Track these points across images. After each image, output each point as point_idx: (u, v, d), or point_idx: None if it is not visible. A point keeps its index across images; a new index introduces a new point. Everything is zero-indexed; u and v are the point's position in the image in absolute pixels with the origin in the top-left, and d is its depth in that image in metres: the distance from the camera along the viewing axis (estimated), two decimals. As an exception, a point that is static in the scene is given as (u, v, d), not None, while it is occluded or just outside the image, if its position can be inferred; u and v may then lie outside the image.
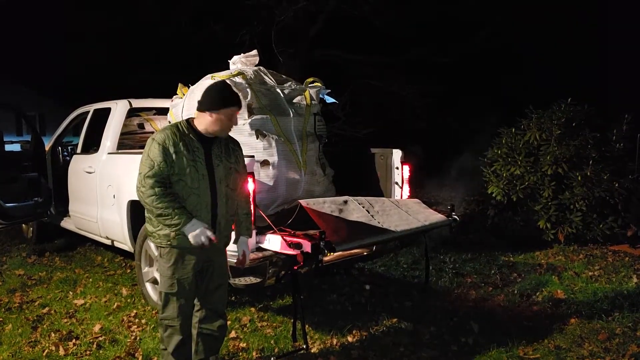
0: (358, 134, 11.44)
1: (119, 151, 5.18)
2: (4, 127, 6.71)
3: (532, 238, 6.37)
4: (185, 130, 2.79)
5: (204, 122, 2.80)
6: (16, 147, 6.62)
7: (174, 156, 2.70)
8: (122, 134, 5.30)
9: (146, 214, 2.86)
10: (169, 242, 2.77)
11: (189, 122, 2.85)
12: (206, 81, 4.19)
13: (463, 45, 11.96)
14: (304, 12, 10.59)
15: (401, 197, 4.52)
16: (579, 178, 6.07)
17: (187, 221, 2.68)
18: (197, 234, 2.68)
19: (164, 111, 5.55)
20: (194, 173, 2.74)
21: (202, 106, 2.80)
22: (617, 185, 6.04)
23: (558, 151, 6.18)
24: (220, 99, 2.80)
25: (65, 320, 4.18)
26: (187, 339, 2.96)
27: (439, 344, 3.68)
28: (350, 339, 3.76)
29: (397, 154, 4.57)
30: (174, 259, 2.81)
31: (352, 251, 4.04)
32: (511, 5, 11.44)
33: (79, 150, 5.88)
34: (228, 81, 3.91)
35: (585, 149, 6.22)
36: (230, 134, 3.25)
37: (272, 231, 3.52)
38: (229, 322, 3.99)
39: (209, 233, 2.71)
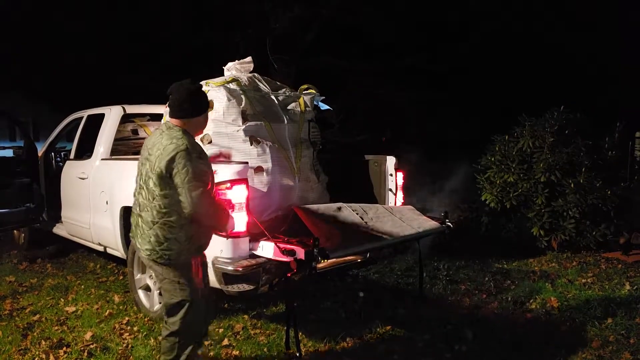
0: (352, 141, 11.47)
1: (113, 157, 5.16)
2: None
3: (526, 245, 6.38)
4: (192, 138, 2.82)
5: (196, 126, 2.85)
6: (9, 153, 6.58)
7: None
8: (115, 139, 5.27)
9: (170, 235, 2.72)
10: (198, 251, 2.86)
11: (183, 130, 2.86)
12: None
13: (458, 48, 12.06)
14: (299, 20, 10.65)
15: (395, 204, 4.53)
16: (572, 185, 6.10)
17: None
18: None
19: (158, 117, 5.54)
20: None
21: (199, 110, 2.83)
22: (609, 192, 6.07)
23: (551, 159, 6.22)
24: (206, 99, 2.91)
25: (56, 327, 4.13)
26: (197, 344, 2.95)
27: (432, 351, 3.67)
28: (344, 346, 3.74)
29: (390, 161, 4.58)
30: (196, 266, 2.87)
31: (346, 258, 4.03)
32: (504, 11, 11.57)
33: (72, 156, 5.85)
34: (223, 88, 3.92)
35: (578, 156, 6.26)
36: (225, 140, 3.27)
37: (265, 238, 3.51)
38: (221, 330, 3.99)
39: None
